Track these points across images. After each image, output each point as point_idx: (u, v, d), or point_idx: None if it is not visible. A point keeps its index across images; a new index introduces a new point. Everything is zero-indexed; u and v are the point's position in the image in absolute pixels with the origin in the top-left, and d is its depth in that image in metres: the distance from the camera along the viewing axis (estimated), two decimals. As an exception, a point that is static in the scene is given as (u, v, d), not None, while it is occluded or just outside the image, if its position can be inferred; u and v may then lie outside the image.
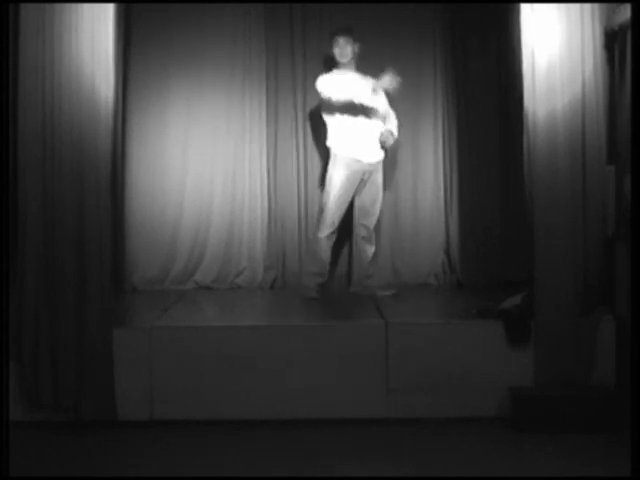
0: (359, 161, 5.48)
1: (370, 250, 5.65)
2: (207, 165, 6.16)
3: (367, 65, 6.07)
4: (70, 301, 4.24)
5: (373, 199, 5.60)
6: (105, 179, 4.31)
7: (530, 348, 4.36)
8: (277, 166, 6.17)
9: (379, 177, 5.62)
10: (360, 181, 5.53)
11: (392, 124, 5.66)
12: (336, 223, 5.52)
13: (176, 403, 4.36)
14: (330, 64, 5.71)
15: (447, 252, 6.20)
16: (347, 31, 5.52)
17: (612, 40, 4.46)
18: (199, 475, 3.73)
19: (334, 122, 5.52)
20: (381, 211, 5.84)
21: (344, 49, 5.50)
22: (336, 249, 5.93)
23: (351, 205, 5.63)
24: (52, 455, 3.98)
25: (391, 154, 6.19)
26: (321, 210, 5.59)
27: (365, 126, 5.47)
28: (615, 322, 4.39)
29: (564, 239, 4.34)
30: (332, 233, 5.53)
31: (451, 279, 6.15)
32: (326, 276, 5.64)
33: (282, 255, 6.15)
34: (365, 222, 5.61)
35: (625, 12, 4.18)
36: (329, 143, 5.58)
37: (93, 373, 4.26)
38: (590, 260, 4.39)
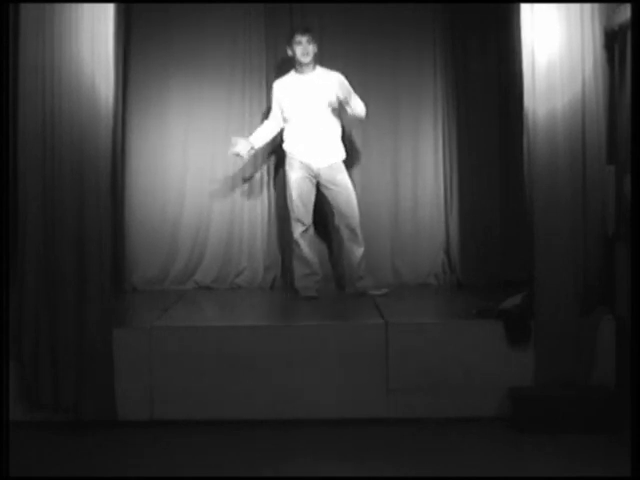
0: (309, 165, 5.47)
1: (358, 251, 5.54)
2: (207, 165, 6.17)
3: (367, 66, 6.10)
4: (70, 301, 4.24)
5: (345, 200, 5.50)
6: (105, 179, 4.31)
7: (530, 348, 4.36)
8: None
9: (342, 178, 5.52)
10: (318, 183, 5.51)
11: (358, 108, 5.44)
12: (305, 221, 5.50)
13: (176, 403, 4.36)
14: (287, 65, 5.70)
15: (447, 252, 6.19)
16: (309, 30, 5.44)
17: (612, 40, 4.46)
18: (199, 475, 3.73)
19: (287, 124, 5.55)
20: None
21: (307, 48, 5.40)
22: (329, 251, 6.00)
23: (322, 203, 5.64)
24: (52, 455, 3.98)
25: (391, 154, 6.20)
26: (289, 211, 5.60)
27: (316, 130, 5.45)
28: (615, 322, 4.39)
29: (564, 239, 4.34)
30: (305, 231, 5.50)
31: (451, 279, 6.15)
32: (320, 273, 5.64)
33: (282, 255, 6.15)
34: (345, 224, 5.51)
35: (625, 12, 4.18)
36: (284, 145, 5.61)
37: (93, 373, 4.26)
38: (590, 260, 4.39)
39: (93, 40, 4.22)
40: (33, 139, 4.22)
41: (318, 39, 5.57)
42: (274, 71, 6.06)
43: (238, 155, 5.54)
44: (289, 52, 5.47)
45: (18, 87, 4.25)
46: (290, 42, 5.44)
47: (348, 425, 4.30)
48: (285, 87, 5.52)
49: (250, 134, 6.06)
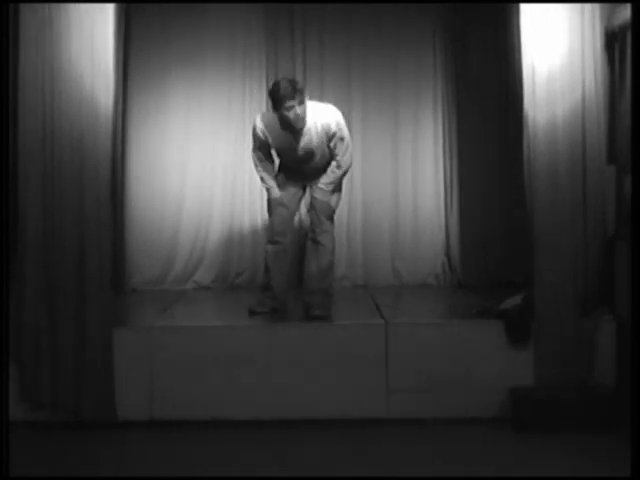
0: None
1: (315, 265, 4.83)
2: (207, 165, 6.17)
3: (367, 66, 6.10)
4: (70, 301, 4.24)
5: (316, 213, 4.82)
6: (105, 179, 4.31)
7: (530, 348, 4.36)
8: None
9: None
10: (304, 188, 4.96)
11: (327, 176, 4.78)
12: (274, 230, 4.87)
13: (176, 403, 4.35)
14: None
15: (447, 252, 6.20)
16: (296, 88, 4.54)
17: (612, 40, 4.46)
18: (199, 475, 3.73)
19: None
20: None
21: (301, 112, 4.55)
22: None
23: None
24: (52, 455, 3.98)
25: (391, 155, 6.21)
26: None
27: (307, 167, 4.83)
28: (615, 322, 4.39)
29: (564, 239, 4.34)
30: (275, 243, 4.87)
31: (451, 279, 6.16)
32: (279, 297, 4.91)
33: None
34: (310, 234, 4.91)
35: (625, 12, 4.18)
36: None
37: (93, 373, 4.26)
38: (590, 260, 4.39)
39: (93, 41, 4.22)
40: (34, 141, 4.23)
41: (301, 90, 4.61)
42: (274, 71, 6.07)
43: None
44: (273, 110, 4.62)
45: (18, 89, 4.25)
46: (277, 104, 4.53)
47: (348, 425, 4.30)
48: (272, 136, 4.73)
49: (250, 134, 6.09)
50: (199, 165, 6.16)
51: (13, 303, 4.22)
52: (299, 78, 6.06)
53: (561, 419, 4.18)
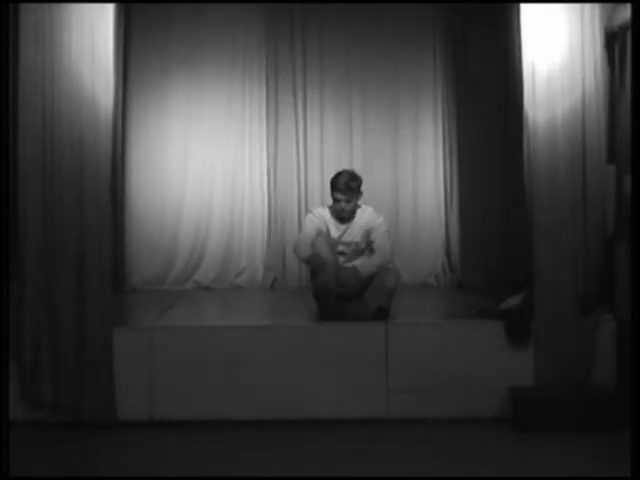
0: None
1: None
2: (207, 166, 6.18)
3: (367, 66, 6.10)
4: (70, 301, 4.24)
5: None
6: (105, 179, 4.30)
7: (530, 348, 4.36)
8: (277, 166, 6.18)
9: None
10: None
11: (369, 261, 4.71)
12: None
13: (176, 403, 4.35)
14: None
15: (447, 252, 6.20)
16: (350, 187, 4.58)
17: (612, 40, 4.46)
18: (199, 475, 3.73)
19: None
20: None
21: (345, 209, 4.62)
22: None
23: None
24: (52, 455, 3.97)
25: (391, 155, 6.21)
26: None
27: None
28: (615, 322, 4.39)
29: (564, 239, 4.34)
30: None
31: (451, 279, 6.16)
32: None
33: (282, 255, 6.15)
34: None
35: (625, 12, 4.18)
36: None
37: (93, 373, 4.26)
38: (590, 260, 4.39)
39: (93, 40, 4.22)
40: (33, 142, 4.22)
41: (357, 189, 4.62)
42: (274, 72, 6.08)
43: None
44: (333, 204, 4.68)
45: (18, 88, 4.24)
46: (331, 188, 4.64)
47: (348, 425, 4.30)
48: (324, 223, 4.72)
49: (250, 135, 6.13)
50: (199, 165, 6.17)
51: (13, 303, 4.22)
52: (299, 79, 6.09)
53: (561, 419, 4.18)
